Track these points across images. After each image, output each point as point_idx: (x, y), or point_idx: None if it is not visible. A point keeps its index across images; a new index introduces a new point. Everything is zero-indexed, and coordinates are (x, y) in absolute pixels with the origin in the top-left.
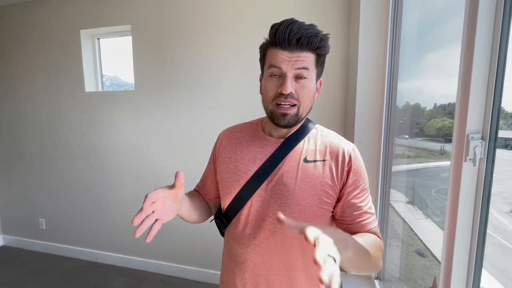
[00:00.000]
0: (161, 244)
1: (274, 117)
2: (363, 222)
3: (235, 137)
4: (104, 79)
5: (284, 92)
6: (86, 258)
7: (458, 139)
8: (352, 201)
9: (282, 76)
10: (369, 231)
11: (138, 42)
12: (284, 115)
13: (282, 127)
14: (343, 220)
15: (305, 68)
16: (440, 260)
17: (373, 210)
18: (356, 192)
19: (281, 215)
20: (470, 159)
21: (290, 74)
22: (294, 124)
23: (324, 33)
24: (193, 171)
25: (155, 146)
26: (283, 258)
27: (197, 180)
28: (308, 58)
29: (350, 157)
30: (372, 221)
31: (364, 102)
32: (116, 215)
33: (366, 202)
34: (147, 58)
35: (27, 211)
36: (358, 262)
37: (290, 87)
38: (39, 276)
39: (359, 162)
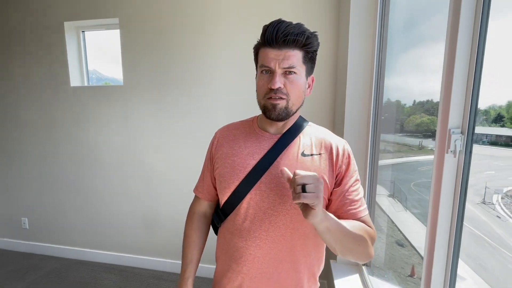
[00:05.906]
0: (151, 240)
1: (266, 110)
2: (354, 211)
3: (231, 134)
4: None
5: (272, 87)
6: (74, 257)
7: (441, 133)
8: (349, 189)
9: (271, 73)
10: (359, 220)
11: (126, 36)
12: (274, 106)
13: (273, 119)
14: (337, 209)
15: (292, 65)
16: (417, 249)
17: (364, 200)
18: (351, 182)
19: (285, 169)
20: (451, 151)
21: (278, 71)
22: (285, 117)
23: (311, 31)
24: (184, 169)
25: (144, 143)
26: (283, 250)
27: (187, 178)
28: (295, 55)
29: (344, 150)
30: (363, 210)
31: (353, 99)
32: (104, 213)
33: (358, 192)
34: (137, 53)
35: (8, 210)
36: (340, 237)
37: (278, 82)
38: (25, 275)
39: (352, 155)
